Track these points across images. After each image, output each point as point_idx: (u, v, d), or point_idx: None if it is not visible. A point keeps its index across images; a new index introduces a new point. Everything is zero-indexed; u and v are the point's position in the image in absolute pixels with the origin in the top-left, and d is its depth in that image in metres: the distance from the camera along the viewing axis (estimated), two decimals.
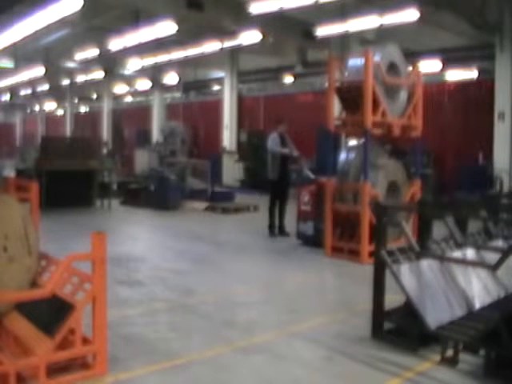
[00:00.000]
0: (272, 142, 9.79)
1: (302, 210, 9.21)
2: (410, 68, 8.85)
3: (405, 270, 4.66)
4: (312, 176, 10.25)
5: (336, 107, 8.75)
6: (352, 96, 8.05)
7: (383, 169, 8.37)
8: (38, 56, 20.04)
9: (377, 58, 8.01)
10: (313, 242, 8.89)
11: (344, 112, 8.42)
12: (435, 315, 4.48)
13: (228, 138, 21.77)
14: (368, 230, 7.77)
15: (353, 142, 9.00)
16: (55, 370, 3.79)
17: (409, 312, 4.56)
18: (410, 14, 12.01)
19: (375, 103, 7.89)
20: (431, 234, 5.21)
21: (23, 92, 31.83)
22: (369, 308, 4.91)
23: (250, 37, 15.26)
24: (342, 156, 8.65)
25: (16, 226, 4.23)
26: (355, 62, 8.28)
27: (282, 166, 9.76)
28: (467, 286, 4.95)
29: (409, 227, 6.50)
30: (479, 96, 15.40)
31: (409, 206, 7.49)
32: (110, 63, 21.69)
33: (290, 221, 9.84)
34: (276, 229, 9.98)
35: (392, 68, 8.33)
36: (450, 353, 4.25)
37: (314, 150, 15.47)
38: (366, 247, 7.79)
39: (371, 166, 8.06)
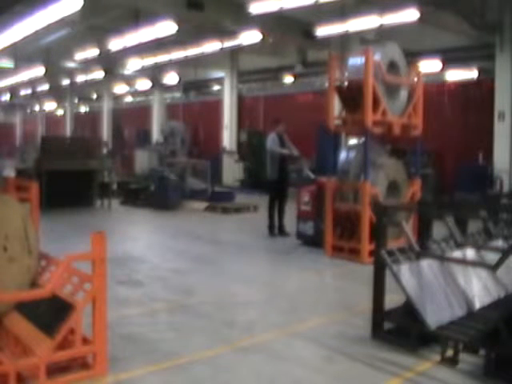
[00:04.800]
0: (272, 142, 9.80)
1: (302, 210, 9.21)
2: (410, 67, 8.85)
3: (405, 270, 4.66)
4: (312, 176, 10.26)
5: (336, 106, 8.75)
6: (352, 95, 8.05)
7: (383, 168, 8.37)
8: (37, 56, 20.02)
9: (377, 57, 8.01)
10: (313, 241, 8.89)
11: (344, 111, 8.42)
12: (435, 315, 4.48)
13: (228, 138, 21.77)
14: (368, 229, 7.78)
15: (353, 141, 9.01)
16: (55, 370, 3.79)
17: (409, 312, 4.56)
18: (410, 14, 12.00)
19: (375, 102, 7.88)
20: (431, 234, 5.21)
21: (23, 92, 31.80)
22: (369, 308, 4.91)
23: (250, 37, 15.25)
24: (343, 155, 8.65)
25: (16, 226, 4.23)
26: (355, 60, 8.28)
27: (281, 166, 9.77)
28: (467, 286, 4.95)
29: (409, 227, 6.50)
30: (479, 96, 15.40)
31: (409, 206, 7.49)
32: (110, 63, 21.67)
33: (290, 221, 9.85)
34: (276, 229, 9.99)
35: (392, 67, 8.33)
36: (450, 353, 4.25)
37: (315, 149, 15.48)
38: (367, 246, 7.80)
39: (371, 165, 8.07)
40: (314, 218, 8.94)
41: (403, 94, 8.53)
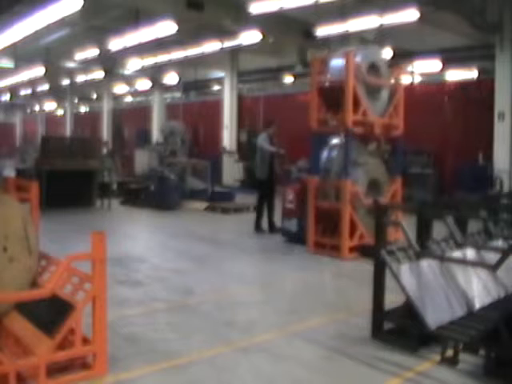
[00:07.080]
0: (262, 140, 10.15)
1: (286, 208, 9.37)
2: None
3: (405, 270, 4.66)
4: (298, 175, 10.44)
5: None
6: (334, 96, 8.16)
7: (364, 166, 8.49)
8: (37, 56, 20.02)
9: (358, 59, 8.15)
10: (297, 238, 9.06)
11: (327, 111, 8.55)
12: (435, 315, 4.48)
13: (228, 138, 21.76)
14: (348, 226, 7.98)
15: (336, 141, 9.13)
16: (55, 369, 3.79)
17: (409, 312, 4.56)
18: (410, 14, 12.02)
19: (356, 102, 8.02)
20: (431, 234, 5.20)
21: (23, 92, 31.79)
22: (366, 307, 4.91)
23: (250, 37, 15.26)
24: (325, 154, 8.77)
25: (16, 226, 4.23)
26: (337, 62, 8.39)
27: (271, 165, 10.12)
28: (467, 286, 4.95)
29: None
30: (479, 96, 15.39)
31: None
32: (110, 63, 21.66)
33: (276, 218, 10.07)
34: (266, 226, 10.30)
35: (373, 68, 8.52)
36: (450, 353, 4.25)
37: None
38: (347, 243, 8.01)
39: (352, 164, 8.22)
40: (298, 216, 9.06)
41: (384, 95, 8.67)
